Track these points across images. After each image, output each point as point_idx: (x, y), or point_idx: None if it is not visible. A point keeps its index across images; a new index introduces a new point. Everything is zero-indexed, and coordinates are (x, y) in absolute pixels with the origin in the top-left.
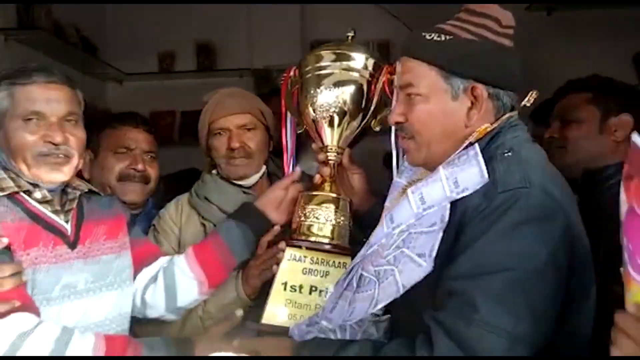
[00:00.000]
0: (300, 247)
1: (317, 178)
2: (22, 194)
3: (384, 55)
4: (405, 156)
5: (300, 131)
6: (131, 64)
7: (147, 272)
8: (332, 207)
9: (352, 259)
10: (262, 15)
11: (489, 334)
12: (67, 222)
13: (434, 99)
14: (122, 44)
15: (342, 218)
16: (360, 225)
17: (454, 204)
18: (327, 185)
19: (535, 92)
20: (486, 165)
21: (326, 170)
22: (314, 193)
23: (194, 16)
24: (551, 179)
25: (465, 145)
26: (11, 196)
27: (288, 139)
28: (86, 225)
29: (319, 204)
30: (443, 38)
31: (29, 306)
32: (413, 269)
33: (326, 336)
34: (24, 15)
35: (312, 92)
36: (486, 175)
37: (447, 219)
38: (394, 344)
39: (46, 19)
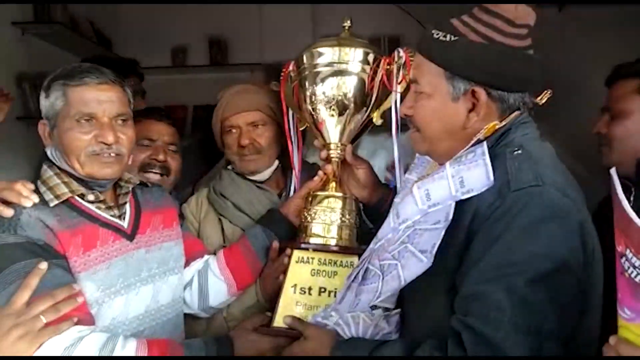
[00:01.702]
0: (307, 249)
1: (321, 175)
2: (75, 197)
3: (394, 50)
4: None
5: (302, 128)
6: (144, 58)
7: (189, 271)
8: (337, 206)
9: (359, 257)
10: (274, 10)
11: (518, 335)
12: (121, 216)
13: (436, 98)
14: (135, 38)
15: (348, 217)
16: (370, 217)
17: (461, 201)
18: (331, 184)
19: (549, 92)
20: (494, 162)
21: (329, 168)
22: (319, 193)
23: (206, 11)
24: (562, 177)
25: (473, 142)
26: (65, 200)
27: (292, 135)
28: (144, 215)
29: (324, 205)
30: (449, 38)
31: (82, 316)
32: (415, 263)
33: (340, 329)
34: (40, 9)
35: (311, 87)
36: (492, 177)
37: (451, 217)
38: (426, 346)
39: (62, 13)
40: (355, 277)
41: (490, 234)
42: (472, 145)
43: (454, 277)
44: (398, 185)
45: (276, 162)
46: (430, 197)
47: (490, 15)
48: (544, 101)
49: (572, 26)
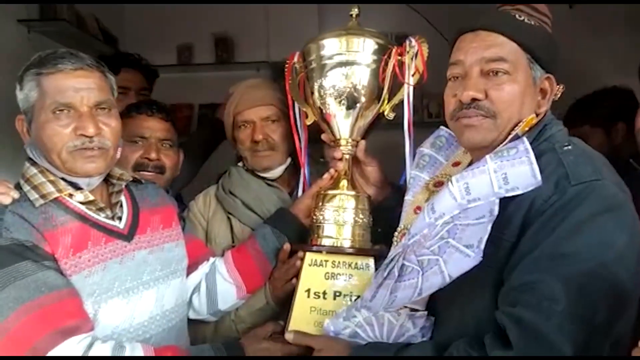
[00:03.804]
0: (320, 251)
1: (332, 172)
2: (63, 195)
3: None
4: (465, 135)
5: (309, 123)
6: (150, 56)
7: (196, 275)
8: (350, 206)
9: (375, 259)
10: (280, 8)
11: (570, 326)
12: (115, 216)
13: (520, 81)
14: (141, 36)
15: (361, 216)
16: (374, 217)
17: (514, 196)
18: (342, 182)
19: (562, 86)
20: (543, 158)
21: (340, 165)
22: (330, 192)
23: (212, 9)
24: (613, 172)
25: (512, 136)
26: (53, 199)
27: (299, 131)
28: (143, 214)
29: (336, 204)
30: (533, 23)
31: (82, 324)
32: (460, 259)
33: (363, 331)
34: (46, 7)
35: (319, 80)
36: (539, 177)
37: (496, 212)
38: (459, 344)
39: (68, 11)
40: (389, 274)
41: (546, 225)
42: (511, 140)
43: (503, 274)
44: (408, 183)
45: (289, 160)
46: (470, 192)
47: (539, 13)
48: (557, 97)
49: (583, 24)
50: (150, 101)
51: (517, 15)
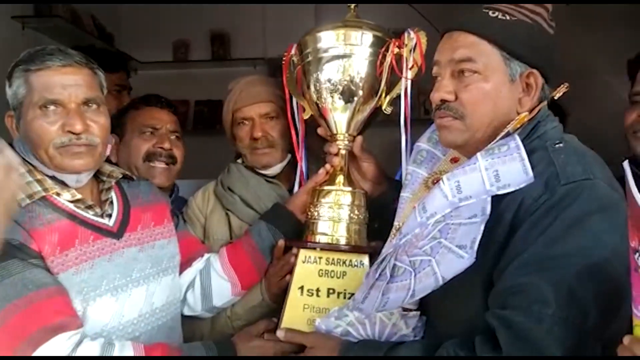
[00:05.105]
0: (314, 248)
1: (328, 168)
2: (51, 194)
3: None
4: (440, 135)
5: (306, 117)
6: (146, 53)
7: (190, 272)
8: (346, 202)
9: (370, 256)
10: (276, 4)
11: (561, 330)
12: (104, 214)
13: (493, 80)
14: (137, 33)
15: (357, 212)
16: (370, 211)
17: (503, 195)
18: (338, 178)
19: (566, 86)
20: (533, 156)
21: (335, 160)
22: (326, 188)
23: (208, 5)
24: (606, 171)
25: (503, 133)
26: (40, 198)
27: (297, 126)
28: (134, 212)
29: (332, 200)
30: (508, 18)
31: (70, 321)
32: (453, 259)
33: (355, 329)
34: (41, 3)
35: (315, 73)
36: (531, 173)
37: (488, 211)
38: (449, 345)
39: (63, 7)
40: (381, 275)
41: (536, 226)
42: (502, 138)
43: (493, 274)
44: (404, 179)
45: (288, 156)
46: (462, 190)
47: (533, 3)
48: (559, 95)
49: (579, 20)
50: (157, 95)
51: (490, 13)
